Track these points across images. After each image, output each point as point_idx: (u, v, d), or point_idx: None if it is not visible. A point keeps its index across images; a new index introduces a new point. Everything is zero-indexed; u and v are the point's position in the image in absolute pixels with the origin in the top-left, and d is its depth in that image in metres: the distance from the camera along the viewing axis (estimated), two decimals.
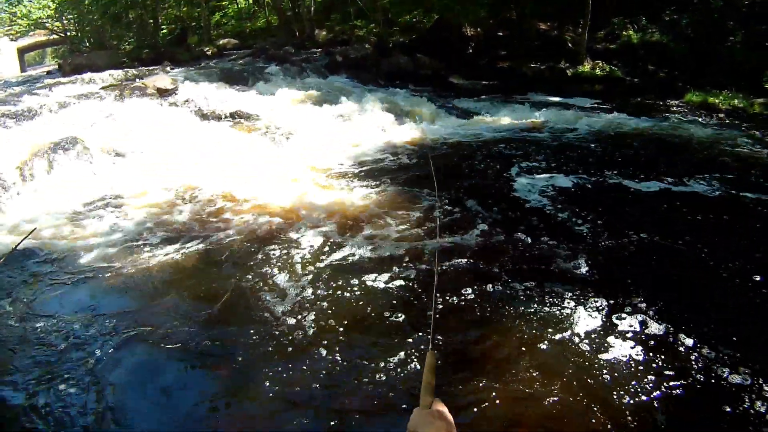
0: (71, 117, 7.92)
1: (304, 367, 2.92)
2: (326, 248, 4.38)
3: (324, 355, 3.00)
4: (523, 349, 2.96)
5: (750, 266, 3.76)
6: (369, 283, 3.75)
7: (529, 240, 4.28)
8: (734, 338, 2.95)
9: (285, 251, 4.36)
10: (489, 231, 4.52)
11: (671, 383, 2.62)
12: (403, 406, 2.58)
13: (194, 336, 3.29)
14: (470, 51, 15.41)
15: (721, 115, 9.55)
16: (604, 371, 2.73)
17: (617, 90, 12.21)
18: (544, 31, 15.32)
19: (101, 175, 6.68)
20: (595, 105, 10.85)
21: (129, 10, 19.09)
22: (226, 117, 8.60)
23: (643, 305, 3.28)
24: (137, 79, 10.88)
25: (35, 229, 4.75)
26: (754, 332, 3.07)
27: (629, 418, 2.44)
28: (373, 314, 3.39)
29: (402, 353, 2.95)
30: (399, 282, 3.75)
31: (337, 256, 4.23)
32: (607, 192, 5.54)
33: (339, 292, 3.67)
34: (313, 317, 3.37)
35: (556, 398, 2.57)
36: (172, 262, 4.36)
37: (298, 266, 4.09)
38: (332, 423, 2.55)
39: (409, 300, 3.53)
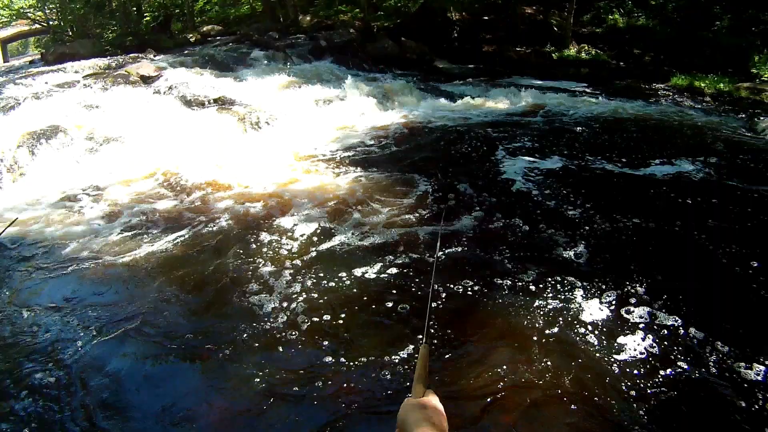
0: (54, 106, 7.83)
1: (292, 360, 2.85)
2: (314, 236, 4.29)
3: (313, 346, 2.93)
4: (520, 338, 2.89)
5: (745, 251, 3.75)
6: (359, 272, 3.65)
7: (527, 228, 4.25)
8: (727, 324, 2.94)
9: (271, 238, 4.29)
10: (484, 217, 4.47)
11: (668, 371, 2.60)
12: (395, 397, 2.51)
13: (178, 327, 3.24)
14: (456, 35, 15.38)
15: (707, 99, 9.66)
16: (603, 360, 2.67)
17: (603, 73, 12.29)
18: (530, 15, 15.31)
19: (84, 164, 6.66)
20: (582, 89, 10.91)
21: None
22: (210, 103, 8.54)
23: (641, 291, 3.26)
24: (120, 67, 10.71)
25: (17, 218, 4.71)
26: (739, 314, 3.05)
27: (624, 405, 2.41)
28: (364, 304, 3.30)
29: (395, 344, 2.88)
30: (391, 270, 3.66)
31: (325, 244, 4.15)
32: (598, 176, 5.57)
33: (328, 281, 3.58)
34: (301, 308, 3.28)
35: (552, 388, 2.53)
36: (155, 251, 4.28)
37: (285, 254, 4.02)
38: (321, 415, 2.48)
39: (401, 288, 3.43)
